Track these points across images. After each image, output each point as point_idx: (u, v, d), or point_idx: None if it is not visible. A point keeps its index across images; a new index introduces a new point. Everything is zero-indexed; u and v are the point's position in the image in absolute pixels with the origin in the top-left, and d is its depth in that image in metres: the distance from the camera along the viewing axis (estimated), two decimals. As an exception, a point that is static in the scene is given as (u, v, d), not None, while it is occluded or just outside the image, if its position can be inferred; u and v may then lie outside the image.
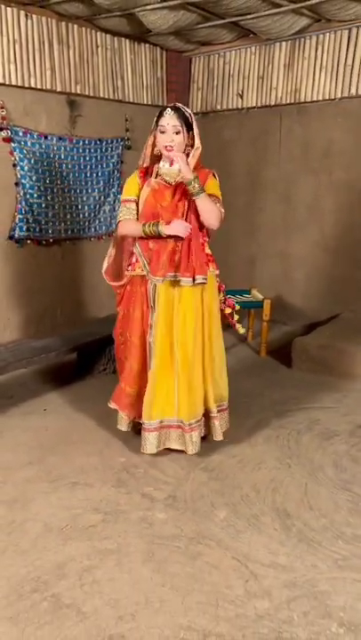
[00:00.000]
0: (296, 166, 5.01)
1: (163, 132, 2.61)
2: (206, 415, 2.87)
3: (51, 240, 4.48)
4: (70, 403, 3.58)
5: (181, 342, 2.69)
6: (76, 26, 4.34)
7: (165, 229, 2.61)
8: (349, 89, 4.54)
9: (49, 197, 4.41)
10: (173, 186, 2.69)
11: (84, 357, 4.05)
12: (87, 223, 4.73)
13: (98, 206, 4.80)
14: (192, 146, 2.69)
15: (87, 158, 4.63)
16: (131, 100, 4.90)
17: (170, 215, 2.65)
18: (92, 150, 4.66)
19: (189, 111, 2.70)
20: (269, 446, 3.01)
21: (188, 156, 2.65)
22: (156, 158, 2.77)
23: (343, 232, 4.85)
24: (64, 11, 4.15)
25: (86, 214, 4.71)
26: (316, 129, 4.84)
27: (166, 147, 2.62)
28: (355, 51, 4.44)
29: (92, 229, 4.79)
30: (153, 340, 2.72)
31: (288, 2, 3.94)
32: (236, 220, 5.28)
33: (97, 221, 4.82)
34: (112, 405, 2.97)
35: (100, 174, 4.75)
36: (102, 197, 4.81)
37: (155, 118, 2.66)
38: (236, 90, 5.15)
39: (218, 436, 2.88)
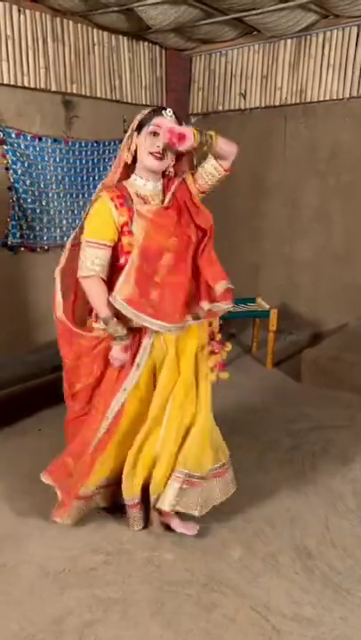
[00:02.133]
0: (302, 169, 4.80)
1: (154, 134, 2.00)
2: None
3: (46, 247, 4.25)
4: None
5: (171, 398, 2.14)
6: (71, 22, 4.12)
7: (115, 348, 2.05)
8: (358, 88, 4.34)
9: (44, 202, 4.18)
10: (170, 208, 2.07)
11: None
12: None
13: (95, 211, 4.58)
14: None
15: (84, 161, 4.40)
16: (129, 101, 4.68)
17: (183, 251, 2.04)
18: (89, 153, 4.43)
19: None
20: (283, 472, 2.79)
21: (166, 174, 2.12)
22: (123, 174, 2.14)
23: (351, 237, 4.65)
24: (59, 6, 3.92)
25: (83, 220, 4.47)
26: (323, 130, 4.63)
27: (152, 152, 2.02)
28: (364, 48, 4.25)
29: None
30: (126, 405, 2.13)
31: (296, -4, 3.74)
32: (239, 224, 5.08)
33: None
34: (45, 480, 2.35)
35: (97, 178, 4.51)
36: (100, 202, 4.59)
37: (139, 118, 2.06)
38: (238, 90, 4.94)
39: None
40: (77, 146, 4.33)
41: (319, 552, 2.17)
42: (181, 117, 2.11)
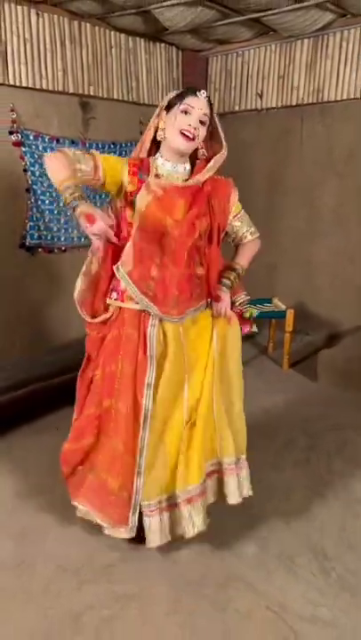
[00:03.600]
0: (319, 169, 4.78)
1: (186, 113, 1.89)
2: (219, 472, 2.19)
3: (63, 248, 4.29)
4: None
5: (198, 397, 2.06)
6: (88, 25, 4.16)
7: (84, 221, 1.83)
8: (376, 87, 4.30)
9: (61, 204, 4.22)
10: (187, 189, 1.96)
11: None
12: (101, 230, 4.54)
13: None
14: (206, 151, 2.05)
15: (101, 162, 4.44)
16: (145, 102, 4.71)
17: (184, 237, 1.93)
18: (106, 154, 4.46)
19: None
20: (299, 472, 2.78)
21: (206, 162, 2.03)
22: (153, 150, 2.04)
23: (369, 238, 4.61)
24: (76, 9, 3.97)
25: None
26: (341, 130, 4.60)
27: (183, 131, 1.88)
28: (382, 47, 4.21)
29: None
30: (152, 404, 1.98)
31: (312, -4, 3.73)
32: (256, 224, 5.03)
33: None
34: (79, 503, 2.12)
35: (113, 179, 4.56)
36: (116, 203, 4.63)
37: (171, 96, 1.96)
38: (255, 90, 4.93)
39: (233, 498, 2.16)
40: (94, 147, 4.36)
41: (336, 554, 2.16)
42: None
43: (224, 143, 2.05)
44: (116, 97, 4.46)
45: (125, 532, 2.04)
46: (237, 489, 2.15)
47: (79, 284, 2.04)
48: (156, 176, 1.96)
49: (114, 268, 1.98)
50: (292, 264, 5.03)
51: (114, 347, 2.02)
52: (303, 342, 4.74)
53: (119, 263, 1.96)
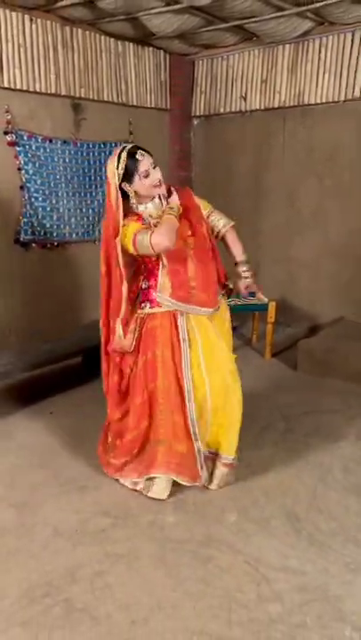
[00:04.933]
0: (300, 169, 5.01)
1: (147, 176, 2.35)
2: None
3: (55, 244, 4.48)
4: (77, 405, 3.58)
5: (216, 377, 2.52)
6: (80, 30, 4.35)
7: (170, 205, 2.41)
8: (353, 91, 4.54)
9: (54, 201, 4.42)
10: (179, 216, 2.42)
11: (90, 361, 4.06)
12: (92, 226, 4.73)
13: (102, 209, 4.80)
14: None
15: (91, 162, 4.64)
16: (134, 104, 4.91)
17: (200, 248, 2.46)
18: (97, 153, 4.66)
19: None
20: (277, 450, 3.01)
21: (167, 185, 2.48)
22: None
23: (348, 236, 4.85)
24: (68, 15, 4.16)
25: (90, 217, 4.71)
26: (321, 132, 4.84)
27: (155, 185, 2.37)
28: (358, 53, 4.44)
29: (97, 232, 4.79)
30: (193, 384, 2.46)
31: (292, 5, 3.95)
32: (239, 223, 5.18)
33: (101, 224, 4.82)
34: (157, 473, 2.50)
35: (103, 177, 4.73)
36: (106, 200, 4.82)
37: (121, 172, 2.34)
38: (239, 93, 5.15)
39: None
40: (85, 147, 4.57)
41: (307, 517, 2.39)
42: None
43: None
44: (106, 99, 4.65)
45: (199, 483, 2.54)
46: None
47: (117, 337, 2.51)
48: (150, 216, 2.41)
49: (155, 296, 2.45)
50: (274, 260, 5.26)
51: (149, 338, 2.46)
52: (285, 334, 4.98)
53: (158, 291, 2.44)
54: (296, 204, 5.09)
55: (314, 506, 2.46)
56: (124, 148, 2.38)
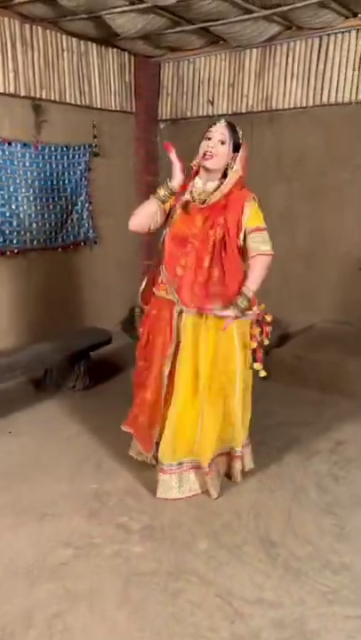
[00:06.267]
0: (268, 174, 4.93)
1: (208, 139, 2.42)
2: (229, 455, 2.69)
3: (15, 251, 4.26)
4: (38, 423, 3.38)
5: (208, 375, 2.48)
6: (40, 28, 4.16)
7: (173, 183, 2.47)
8: (321, 97, 4.49)
9: (13, 206, 4.20)
10: (205, 208, 2.44)
11: (51, 374, 3.86)
12: (54, 233, 4.53)
13: (65, 215, 4.62)
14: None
15: (53, 165, 4.44)
16: (98, 106, 4.74)
17: (199, 244, 2.42)
18: (59, 157, 4.48)
19: (241, 134, 2.52)
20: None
21: (224, 177, 2.47)
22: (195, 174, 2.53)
23: (315, 240, 4.80)
24: (27, 12, 3.97)
25: (53, 224, 4.52)
26: (289, 137, 4.78)
27: (205, 153, 2.39)
28: (326, 58, 4.40)
29: (60, 239, 4.59)
30: (177, 374, 2.48)
31: (259, 8, 3.86)
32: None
33: (64, 231, 4.63)
34: (126, 428, 2.71)
35: (66, 182, 4.56)
36: (70, 206, 4.63)
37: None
38: (206, 97, 5.05)
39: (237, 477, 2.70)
40: (47, 150, 4.37)
41: (282, 541, 2.26)
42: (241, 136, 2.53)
43: (237, 165, 2.49)
44: (68, 100, 4.47)
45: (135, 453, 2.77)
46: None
47: (144, 284, 2.66)
48: (191, 193, 2.48)
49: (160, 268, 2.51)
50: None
51: (152, 323, 2.55)
52: (255, 342, 4.87)
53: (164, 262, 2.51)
54: (264, 208, 4.98)
55: (288, 528, 2.34)
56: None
